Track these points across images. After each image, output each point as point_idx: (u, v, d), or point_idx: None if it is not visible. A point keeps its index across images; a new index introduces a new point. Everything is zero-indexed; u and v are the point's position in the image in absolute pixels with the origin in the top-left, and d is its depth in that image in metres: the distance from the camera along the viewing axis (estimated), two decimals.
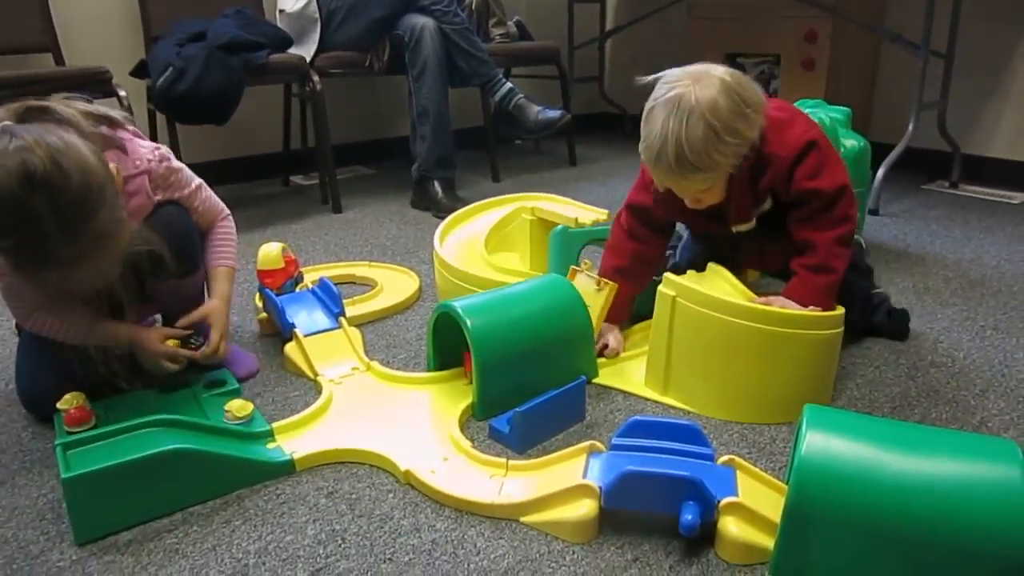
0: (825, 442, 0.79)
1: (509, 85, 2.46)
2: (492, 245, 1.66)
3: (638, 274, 1.38)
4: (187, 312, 1.25)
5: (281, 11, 2.54)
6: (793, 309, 1.16)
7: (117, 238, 1.00)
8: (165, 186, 1.21)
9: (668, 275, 1.20)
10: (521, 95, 2.44)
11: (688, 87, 1.11)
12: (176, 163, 1.23)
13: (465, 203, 1.89)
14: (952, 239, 2.07)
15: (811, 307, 1.17)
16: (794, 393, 1.13)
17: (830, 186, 1.19)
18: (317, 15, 2.45)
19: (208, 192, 1.30)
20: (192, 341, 1.25)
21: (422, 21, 2.34)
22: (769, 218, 1.27)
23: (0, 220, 0.90)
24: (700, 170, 1.13)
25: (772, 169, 1.20)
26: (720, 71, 1.14)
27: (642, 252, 1.37)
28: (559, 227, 1.52)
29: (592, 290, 1.34)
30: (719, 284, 1.20)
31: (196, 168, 1.30)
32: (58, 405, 1.10)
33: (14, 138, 0.91)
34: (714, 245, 1.40)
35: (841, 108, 1.85)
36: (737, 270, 1.27)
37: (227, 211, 1.34)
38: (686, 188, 1.20)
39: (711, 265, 1.25)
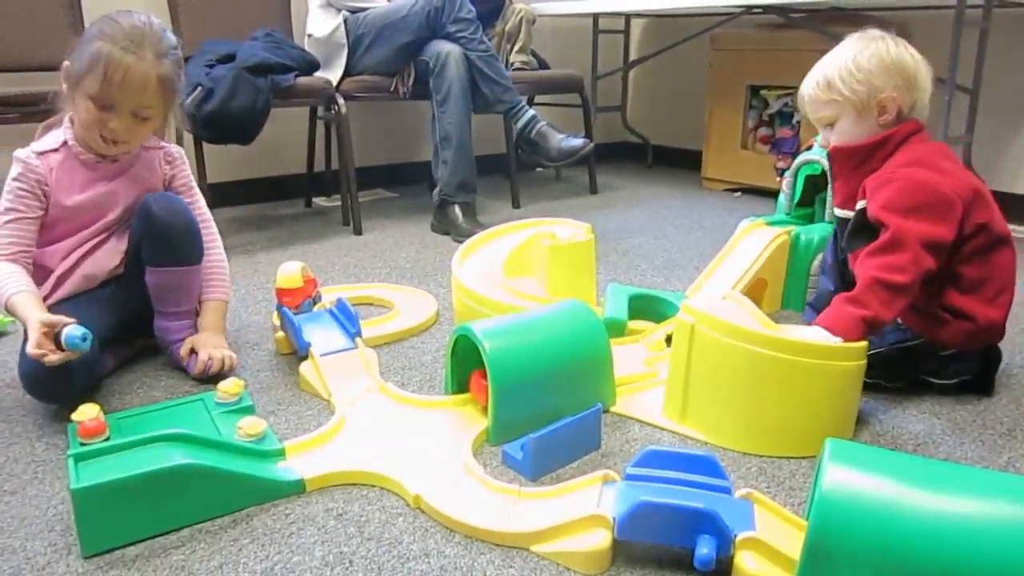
0: (847, 477, 0.77)
1: (532, 112, 2.47)
2: (511, 269, 1.65)
3: None
4: (178, 305, 1.40)
5: (310, 35, 2.58)
6: (813, 339, 1.14)
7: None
8: (173, 164, 1.44)
9: (686, 303, 1.19)
10: (544, 122, 2.45)
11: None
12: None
13: (485, 228, 1.89)
14: None
15: (837, 339, 1.14)
16: (814, 425, 1.11)
17: (899, 225, 1.18)
18: (344, 40, 2.49)
19: (203, 204, 1.48)
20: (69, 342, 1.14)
21: (447, 47, 2.37)
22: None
23: None
24: (818, 87, 1.32)
25: (876, 171, 1.27)
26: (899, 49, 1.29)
27: None
28: (613, 284, 1.65)
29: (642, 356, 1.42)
30: (738, 312, 1.19)
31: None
32: (73, 416, 1.09)
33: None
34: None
35: None
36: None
37: (217, 233, 1.49)
38: (812, 109, 1.36)
39: (729, 292, 1.23)
